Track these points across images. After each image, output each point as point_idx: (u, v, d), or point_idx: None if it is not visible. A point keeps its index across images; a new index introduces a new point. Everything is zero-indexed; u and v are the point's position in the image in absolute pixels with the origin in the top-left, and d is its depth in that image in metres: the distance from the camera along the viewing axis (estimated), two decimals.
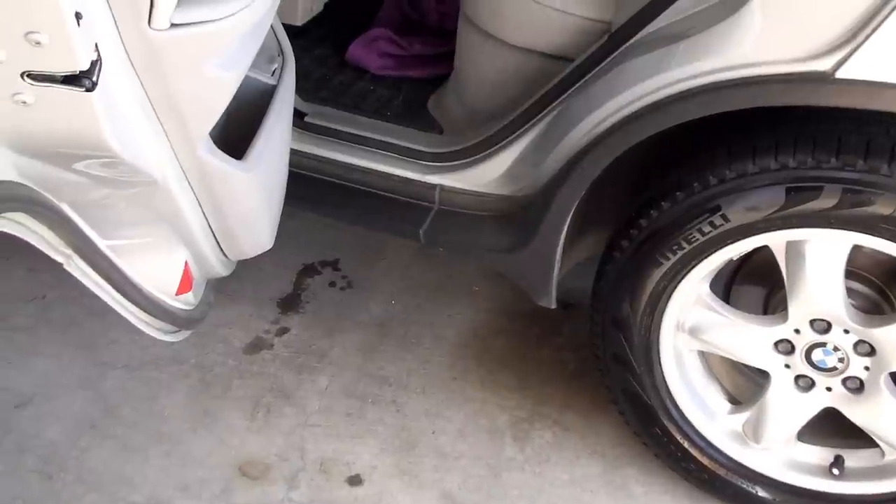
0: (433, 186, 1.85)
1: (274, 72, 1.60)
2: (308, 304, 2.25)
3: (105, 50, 1.04)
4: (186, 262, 1.44)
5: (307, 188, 1.90)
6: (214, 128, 1.34)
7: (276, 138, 1.48)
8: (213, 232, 1.43)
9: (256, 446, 1.91)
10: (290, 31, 1.99)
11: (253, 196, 1.39)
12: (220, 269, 1.53)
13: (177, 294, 1.47)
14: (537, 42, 1.78)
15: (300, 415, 1.98)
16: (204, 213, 1.38)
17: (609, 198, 1.74)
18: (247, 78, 1.51)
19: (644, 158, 1.68)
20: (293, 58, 1.68)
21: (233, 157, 1.40)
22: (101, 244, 1.33)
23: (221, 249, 1.47)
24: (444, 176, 1.84)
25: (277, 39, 1.68)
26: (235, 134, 1.46)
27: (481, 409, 2.02)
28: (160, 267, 1.42)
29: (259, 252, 1.55)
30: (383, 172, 1.88)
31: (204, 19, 1.08)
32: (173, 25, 1.07)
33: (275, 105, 1.50)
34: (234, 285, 2.17)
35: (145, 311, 1.45)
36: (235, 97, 1.42)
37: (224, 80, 1.21)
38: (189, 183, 1.31)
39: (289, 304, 2.24)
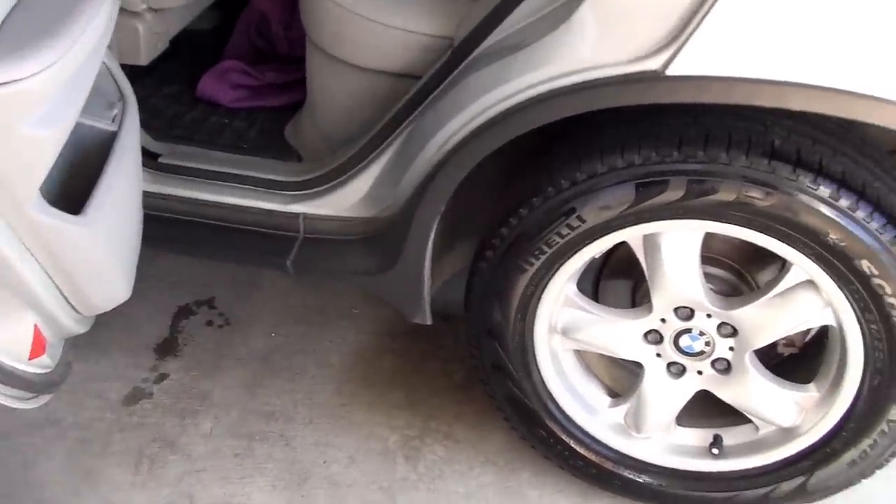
0: (296, 215, 1.83)
1: (114, 118, 1.55)
2: (186, 347, 2.19)
3: None
4: (36, 325, 1.38)
5: (169, 229, 1.86)
6: (51, 182, 1.29)
7: (119, 186, 1.43)
8: (60, 291, 1.37)
9: (143, 500, 1.85)
10: (136, 71, 1.94)
11: (97, 250, 1.34)
12: (76, 327, 1.47)
13: (30, 359, 1.40)
14: (383, 62, 1.78)
15: (186, 462, 1.92)
16: (47, 274, 1.32)
17: (474, 209, 1.76)
18: (84, 127, 1.46)
19: (506, 167, 1.70)
20: (135, 100, 1.63)
21: (76, 209, 1.35)
22: None
23: (73, 307, 1.41)
24: (307, 204, 1.82)
25: (116, 83, 1.62)
26: (77, 185, 1.40)
27: (371, 432, 2.00)
28: (7, 334, 1.35)
29: (115, 305, 1.49)
30: (245, 206, 1.85)
31: (9, 79, 1.03)
32: None
33: (115, 152, 1.45)
34: (106, 335, 2.10)
35: None
36: (74, 147, 1.37)
37: (44, 138, 1.15)
38: (24, 245, 1.25)
39: (166, 348, 2.18)
